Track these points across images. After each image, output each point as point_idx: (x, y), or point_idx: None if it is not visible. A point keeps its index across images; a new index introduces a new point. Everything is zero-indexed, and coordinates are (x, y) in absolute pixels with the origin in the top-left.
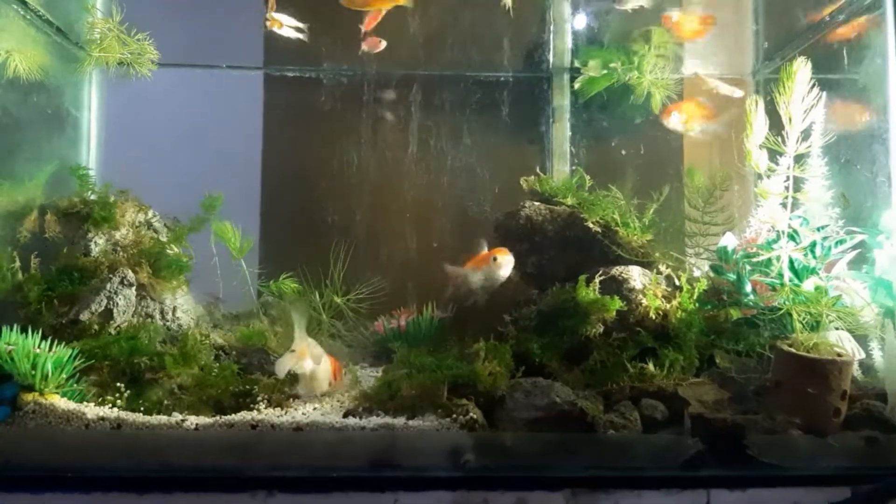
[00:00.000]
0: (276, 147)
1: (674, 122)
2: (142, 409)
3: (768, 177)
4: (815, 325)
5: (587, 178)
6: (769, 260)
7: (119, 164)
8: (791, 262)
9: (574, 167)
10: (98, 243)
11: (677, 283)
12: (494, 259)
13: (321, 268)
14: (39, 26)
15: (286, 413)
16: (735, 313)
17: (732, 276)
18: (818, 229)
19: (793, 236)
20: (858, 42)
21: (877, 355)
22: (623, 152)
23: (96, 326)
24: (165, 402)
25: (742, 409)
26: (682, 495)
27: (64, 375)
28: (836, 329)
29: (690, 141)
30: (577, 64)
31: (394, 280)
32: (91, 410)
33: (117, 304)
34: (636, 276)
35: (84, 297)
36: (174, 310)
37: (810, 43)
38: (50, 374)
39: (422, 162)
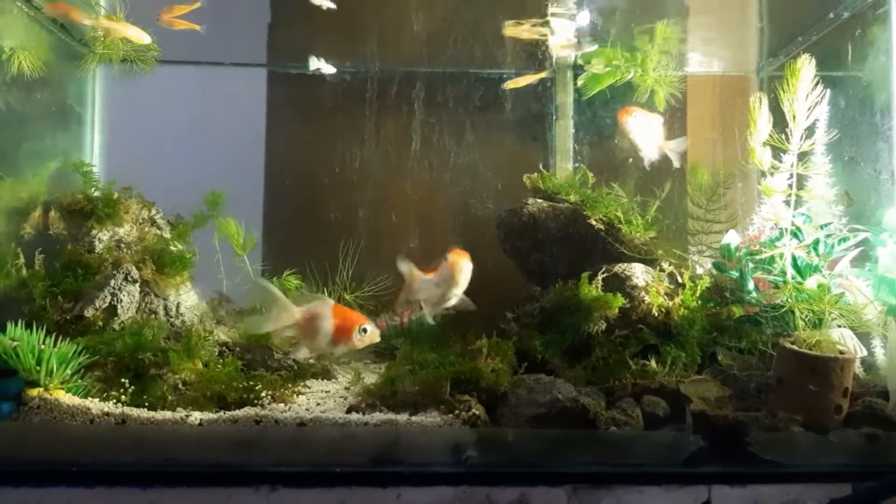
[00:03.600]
0: (279, 144)
1: None
2: (146, 404)
3: (772, 174)
4: (817, 323)
5: (590, 175)
6: (772, 257)
7: (123, 160)
8: (794, 259)
9: (577, 164)
10: (102, 240)
11: (680, 280)
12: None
13: (324, 264)
14: (44, 23)
15: (290, 408)
16: (737, 311)
17: (735, 274)
18: (821, 227)
19: (796, 234)
20: (863, 39)
21: (879, 353)
22: (616, 153)
23: (100, 322)
24: (170, 397)
25: (744, 406)
26: (683, 491)
27: (68, 371)
28: (839, 326)
29: (694, 138)
30: (580, 61)
31: (396, 277)
32: (96, 406)
33: (121, 300)
34: (639, 273)
35: (88, 294)
36: (178, 306)
37: (814, 40)
38: (55, 370)
39: (425, 159)
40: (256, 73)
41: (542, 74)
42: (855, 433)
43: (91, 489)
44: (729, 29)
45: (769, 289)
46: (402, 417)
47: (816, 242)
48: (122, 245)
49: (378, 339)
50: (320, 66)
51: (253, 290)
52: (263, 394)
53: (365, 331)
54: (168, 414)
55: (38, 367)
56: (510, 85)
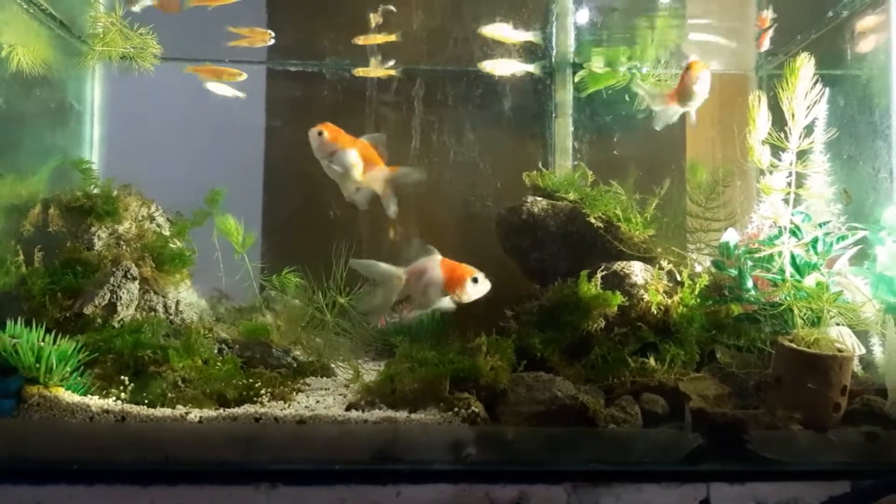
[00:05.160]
0: (278, 141)
1: None
2: (146, 401)
3: (771, 172)
4: (815, 321)
5: (589, 173)
6: (771, 256)
7: (122, 158)
8: (793, 257)
9: (576, 162)
10: (101, 237)
11: (679, 278)
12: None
13: (323, 262)
14: (43, 20)
15: (289, 406)
16: (736, 309)
17: (734, 272)
18: (820, 225)
19: (795, 232)
20: (862, 38)
21: (877, 351)
22: (616, 151)
23: (100, 320)
24: (169, 395)
25: (742, 404)
26: (682, 489)
27: (68, 368)
28: (837, 325)
29: (693, 136)
30: (577, 59)
31: None
32: (95, 403)
33: (121, 297)
34: (638, 271)
35: (88, 291)
36: (177, 303)
37: (814, 39)
38: (54, 367)
39: (424, 157)
40: (255, 70)
41: (392, 72)
42: (854, 431)
43: (91, 486)
44: (728, 27)
45: (768, 287)
46: (402, 415)
47: (815, 240)
48: (122, 242)
49: (489, 288)
50: (381, 65)
51: (356, 268)
52: (263, 391)
53: (476, 280)
54: (168, 411)
55: (37, 365)
56: (359, 72)
